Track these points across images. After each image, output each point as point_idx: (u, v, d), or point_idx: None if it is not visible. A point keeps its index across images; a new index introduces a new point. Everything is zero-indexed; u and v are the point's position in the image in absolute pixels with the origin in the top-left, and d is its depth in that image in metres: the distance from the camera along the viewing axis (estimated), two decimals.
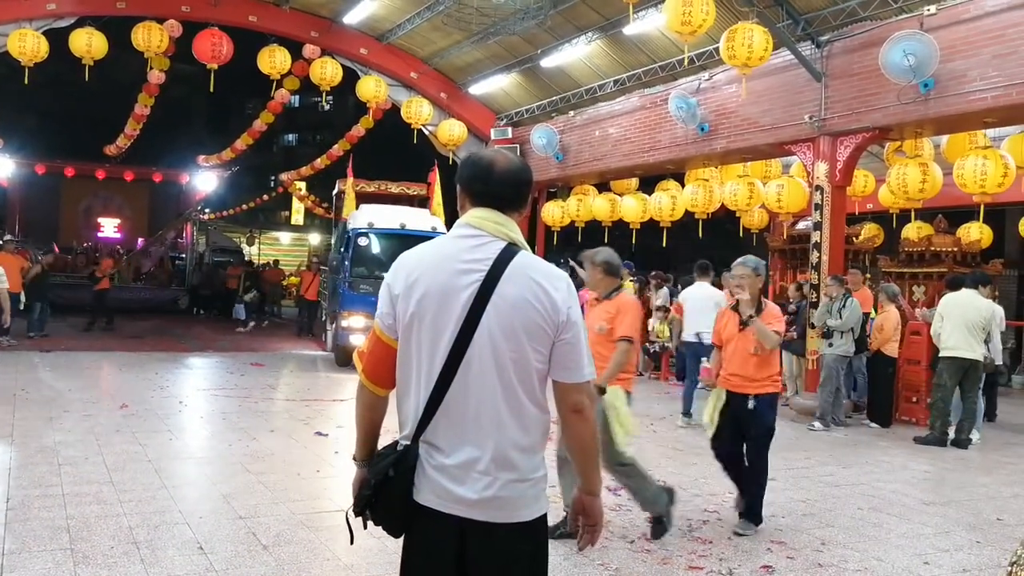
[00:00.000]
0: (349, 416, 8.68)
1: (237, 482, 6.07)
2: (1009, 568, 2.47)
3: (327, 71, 16.09)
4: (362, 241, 13.43)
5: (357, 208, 14.42)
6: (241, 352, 14.90)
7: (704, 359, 5.97)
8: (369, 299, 11.84)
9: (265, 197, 38.78)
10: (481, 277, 2.16)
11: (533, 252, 2.31)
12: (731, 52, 10.32)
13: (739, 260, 5.55)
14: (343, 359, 13.03)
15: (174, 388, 10.51)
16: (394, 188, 16.46)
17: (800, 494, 6.52)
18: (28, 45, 13.54)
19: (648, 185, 16.70)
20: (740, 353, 5.39)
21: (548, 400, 2.24)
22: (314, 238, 41.85)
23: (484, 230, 2.23)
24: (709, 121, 12.97)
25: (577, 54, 15.20)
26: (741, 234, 16.11)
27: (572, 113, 16.74)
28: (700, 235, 14.55)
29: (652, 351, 14.13)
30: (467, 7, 14.09)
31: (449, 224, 13.28)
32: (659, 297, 13.85)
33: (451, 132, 17.79)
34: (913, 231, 13.69)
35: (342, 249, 13.98)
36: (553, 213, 17.66)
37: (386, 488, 2.21)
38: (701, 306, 9.68)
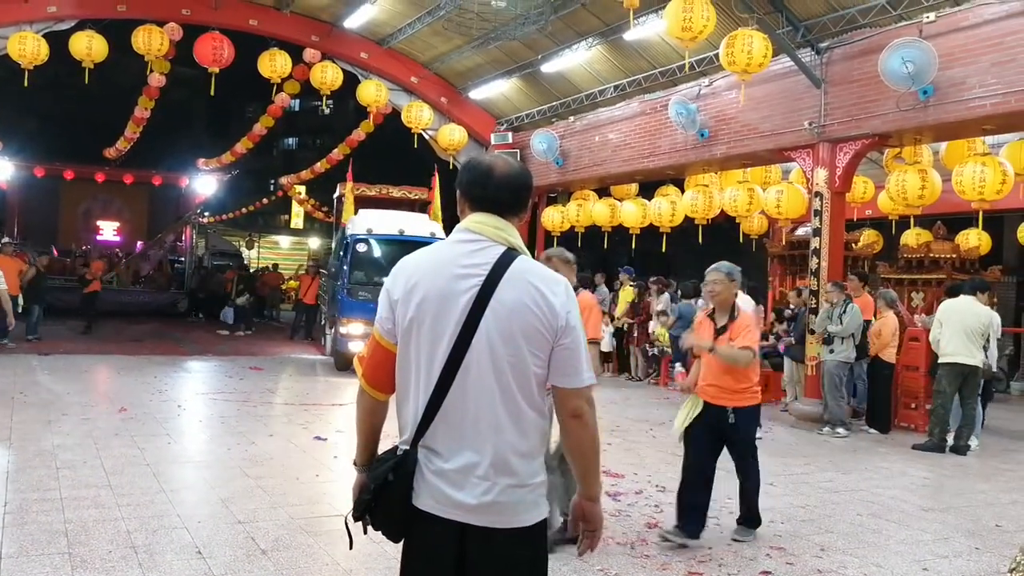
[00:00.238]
0: (348, 420, 8.69)
1: (236, 486, 6.07)
2: (1008, 575, 2.47)
3: (327, 75, 16.10)
4: (361, 247, 13.43)
5: (357, 212, 14.42)
6: (240, 356, 14.89)
7: (678, 364, 5.85)
8: (368, 305, 11.85)
9: (265, 201, 38.78)
10: (480, 282, 2.17)
11: (533, 257, 2.31)
12: (731, 58, 10.34)
13: (713, 266, 5.38)
14: (342, 364, 13.02)
15: (173, 392, 10.50)
16: (395, 192, 16.47)
17: (799, 500, 6.52)
18: (28, 48, 13.55)
19: (648, 190, 16.72)
20: (717, 363, 5.19)
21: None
22: (313, 242, 41.84)
23: (483, 235, 2.23)
24: (709, 127, 12.99)
25: (577, 59, 15.22)
26: (741, 240, 16.12)
27: (572, 118, 16.76)
28: (700, 241, 14.57)
29: (651, 354, 14.14)
30: (468, 12, 14.10)
31: (449, 229, 13.25)
32: (660, 302, 13.86)
33: (451, 137, 17.80)
34: (912, 237, 13.70)
35: (341, 254, 13.98)
36: (553, 218, 17.67)
37: (385, 493, 2.22)
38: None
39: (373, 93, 16.70)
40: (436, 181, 15.40)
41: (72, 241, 30.73)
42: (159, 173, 31.21)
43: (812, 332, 10.60)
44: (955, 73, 9.56)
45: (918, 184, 11.23)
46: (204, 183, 29.66)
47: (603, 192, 17.21)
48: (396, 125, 18.10)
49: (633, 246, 16.72)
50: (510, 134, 18.29)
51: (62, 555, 4.44)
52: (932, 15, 9.85)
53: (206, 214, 32.70)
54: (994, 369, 9.62)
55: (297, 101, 31.44)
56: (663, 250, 15.92)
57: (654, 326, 13.71)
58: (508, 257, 2.21)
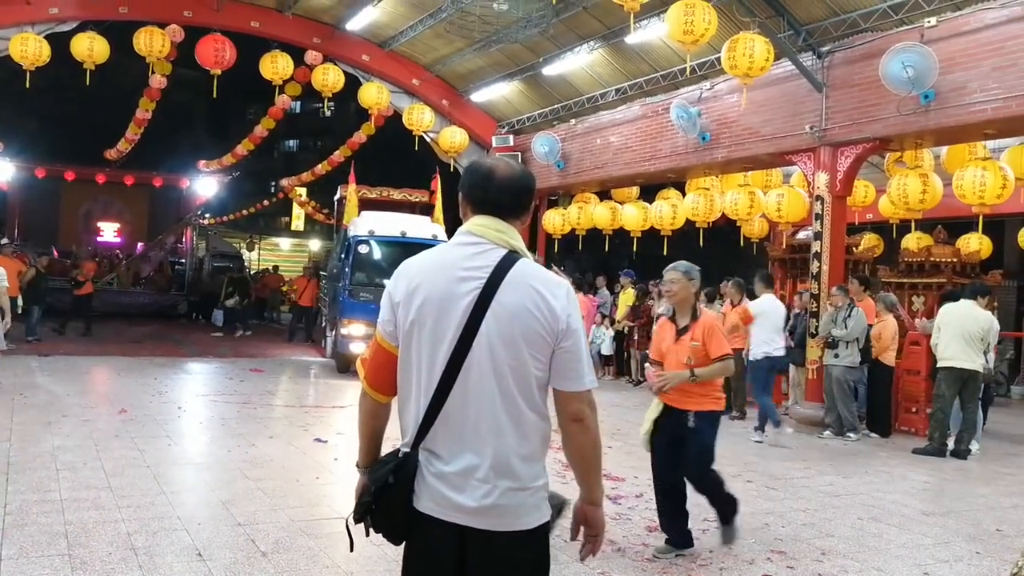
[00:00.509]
0: (348, 423, 8.69)
1: (236, 488, 6.06)
2: None
3: (329, 77, 16.11)
4: (362, 248, 13.43)
5: (359, 215, 14.42)
6: (240, 358, 14.88)
7: (647, 366, 5.60)
8: (369, 307, 11.85)
9: (266, 202, 38.79)
10: (481, 285, 2.17)
11: (534, 260, 2.31)
12: (732, 62, 10.35)
13: (671, 265, 5.20)
14: (343, 366, 13.02)
15: (173, 393, 10.50)
16: (396, 195, 16.47)
17: (800, 504, 6.51)
18: (30, 49, 13.56)
19: (649, 193, 16.72)
20: (676, 366, 5.03)
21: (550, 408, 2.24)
22: (314, 244, 41.82)
23: (485, 238, 2.24)
24: (710, 130, 12.99)
25: (579, 62, 15.23)
26: (741, 243, 16.12)
27: (574, 121, 16.77)
28: (701, 244, 14.56)
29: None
30: (469, 15, 14.12)
31: (450, 232, 13.26)
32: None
33: (452, 139, 17.80)
34: (913, 241, 13.71)
35: (343, 256, 13.98)
36: (554, 221, 17.67)
37: (386, 495, 2.22)
38: (776, 320, 9.42)
39: (374, 95, 16.71)
40: (437, 184, 15.40)
41: (73, 243, 30.74)
42: (160, 174, 31.24)
43: (813, 336, 10.59)
44: (956, 77, 9.57)
45: (919, 188, 11.24)
46: (205, 185, 29.68)
47: (604, 195, 17.21)
48: (397, 127, 18.12)
49: (634, 249, 16.72)
50: (511, 137, 18.29)
51: (62, 557, 4.43)
52: (933, 19, 9.86)
53: (207, 216, 32.70)
54: (992, 373, 9.61)
55: (298, 103, 31.42)
56: (664, 253, 15.88)
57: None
58: (509, 260, 2.21)
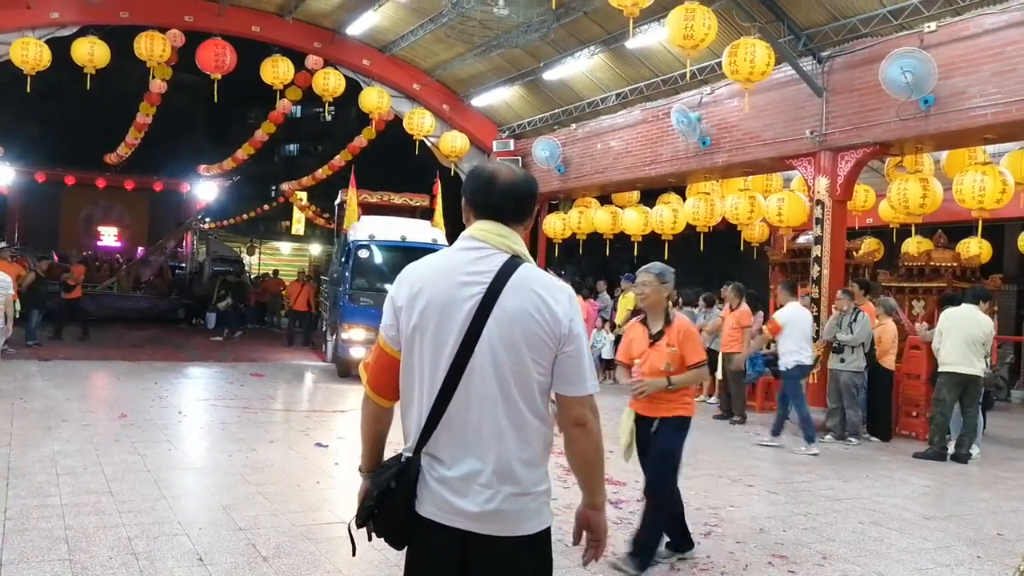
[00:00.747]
0: (349, 427, 8.69)
1: (237, 493, 6.06)
2: None
3: (330, 82, 16.14)
4: (363, 253, 13.43)
5: (359, 219, 14.43)
6: (241, 362, 14.87)
7: (619, 369, 5.23)
8: (370, 311, 11.84)
9: (266, 207, 38.78)
10: (483, 289, 2.16)
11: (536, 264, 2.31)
12: (734, 67, 10.37)
13: (644, 267, 5.01)
14: (344, 370, 13.02)
15: (173, 398, 10.49)
16: (397, 199, 16.48)
17: (801, 508, 6.50)
18: (31, 54, 13.59)
19: (649, 198, 16.74)
20: (651, 372, 4.83)
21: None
22: (315, 248, 41.84)
23: (487, 242, 2.23)
24: (710, 135, 13.02)
25: (579, 67, 15.26)
26: (742, 247, 16.13)
27: (574, 126, 16.79)
28: (701, 248, 14.57)
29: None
30: (470, 20, 14.15)
31: (451, 236, 13.28)
32: None
33: (453, 144, 17.83)
34: (913, 246, 13.71)
35: (343, 260, 13.98)
36: (554, 225, 17.69)
37: (388, 500, 2.22)
38: (804, 328, 9.22)
39: (375, 100, 16.74)
40: (438, 188, 15.41)
41: (73, 247, 30.78)
42: (160, 179, 31.30)
43: (815, 340, 10.58)
44: (956, 82, 9.59)
45: (919, 193, 11.25)
46: (205, 189, 29.72)
47: (605, 199, 17.24)
48: (398, 132, 18.15)
49: (635, 253, 16.72)
50: (512, 141, 18.32)
51: (63, 562, 4.43)
52: (933, 25, 9.89)
53: (207, 220, 32.74)
54: (992, 377, 9.59)
55: (299, 107, 31.46)
56: (665, 257, 15.91)
57: None
58: (512, 265, 2.21)
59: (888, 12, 10.54)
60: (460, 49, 16.09)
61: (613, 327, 14.89)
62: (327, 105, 17.24)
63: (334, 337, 14.01)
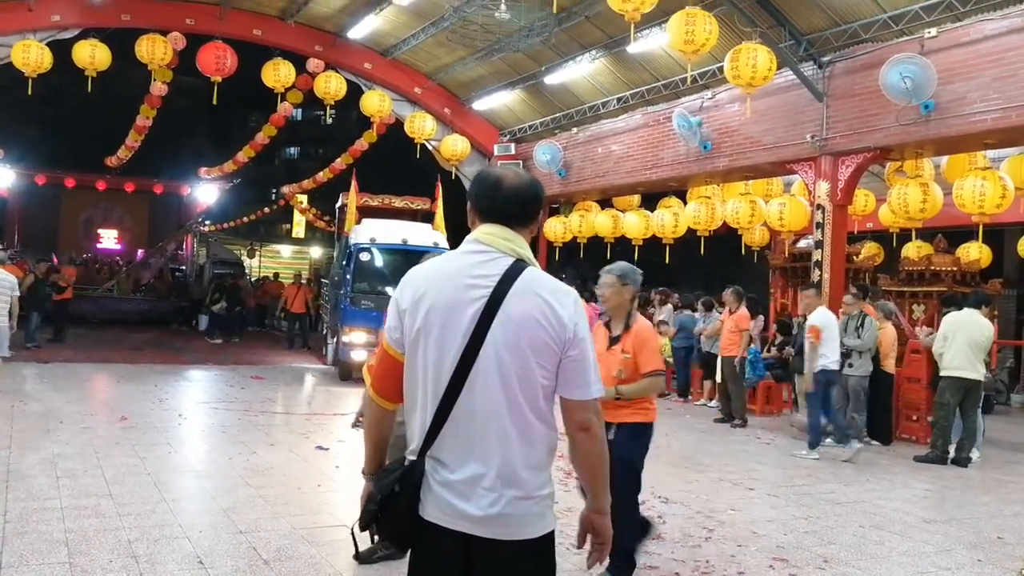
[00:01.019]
0: (349, 430, 8.66)
1: (237, 496, 6.05)
2: None
3: (331, 85, 16.16)
4: (364, 256, 13.43)
5: (359, 222, 14.43)
6: (241, 365, 14.87)
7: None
8: (371, 314, 11.83)
9: (266, 210, 38.81)
10: (488, 293, 2.16)
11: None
12: (735, 72, 10.39)
13: (606, 267, 4.80)
14: (345, 373, 13.01)
15: (173, 401, 10.49)
16: (398, 202, 16.48)
17: (802, 511, 6.50)
18: (32, 56, 13.60)
19: (650, 202, 16.76)
20: (603, 378, 4.56)
21: (556, 417, 2.24)
22: (315, 251, 41.83)
23: (492, 246, 2.23)
24: (711, 139, 13.03)
25: (581, 71, 15.28)
26: (743, 251, 16.15)
27: (575, 130, 16.81)
28: (702, 252, 14.59)
29: None
30: (471, 24, 14.17)
31: (452, 239, 13.25)
32: (662, 313, 13.89)
33: (454, 147, 17.84)
34: (913, 250, 13.73)
35: (344, 264, 13.98)
36: (555, 229, 17.69)
37: (392, 503, 2.21)
38: (834, 332, 8.96)
39: (376, 103, 16.75)
40: (439, 192, 15.42)
41: (73, 249, 30.76)
42: (160, 181, 31.29)
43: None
44: (956, 88, 9.60)
45: (919, 197, 11.27)
46: (206, 192, 29.71)
47: (606, 203, 17.25)
48: (399, 135, 18.16)
49: (636, 257, 16.71)
50: (513, 145, 18.34)
51: (63, 565, 4.42)
52: (933, 30, 9.91)
53: (207, 223, 32.76)
54: (993, 381, 9.58)
55: (299, 110, 31.50)
56: (666, 261, 15.94)
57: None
58: (517, 268, 2.21)
59: (889, 18, 10.56)
60: (461, 53, 16.11)
61: None
62: (328, 108, 17.28)
63: (335, 340, 14.00)
